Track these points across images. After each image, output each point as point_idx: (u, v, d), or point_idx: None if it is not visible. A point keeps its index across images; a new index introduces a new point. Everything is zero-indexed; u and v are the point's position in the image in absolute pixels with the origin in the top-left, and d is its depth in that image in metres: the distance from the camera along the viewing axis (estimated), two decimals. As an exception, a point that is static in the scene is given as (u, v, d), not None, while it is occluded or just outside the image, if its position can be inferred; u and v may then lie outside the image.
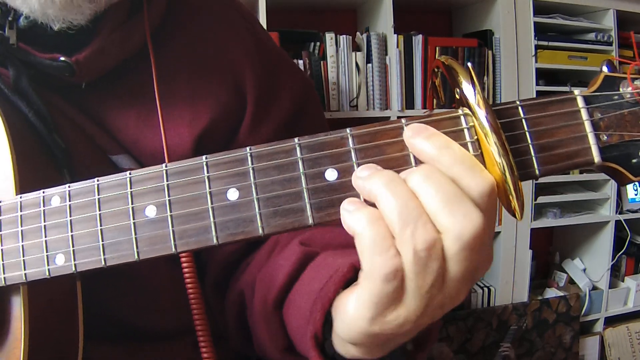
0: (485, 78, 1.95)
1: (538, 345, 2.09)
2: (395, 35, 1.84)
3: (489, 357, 2.00)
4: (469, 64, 0.36)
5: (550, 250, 2.42)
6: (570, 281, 2.25)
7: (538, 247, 2.28)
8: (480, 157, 0.36)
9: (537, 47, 1.97)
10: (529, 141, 0.36)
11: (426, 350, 0.49)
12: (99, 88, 0.58)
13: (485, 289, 2.06)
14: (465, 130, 0.36)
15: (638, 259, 2.26)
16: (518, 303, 2.05)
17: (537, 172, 0.36)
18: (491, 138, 0.34)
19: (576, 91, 0.36)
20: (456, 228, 0.33)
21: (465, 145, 0.36)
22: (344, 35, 1.82)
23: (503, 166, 0.34)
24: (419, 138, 0.35)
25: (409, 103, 1.90)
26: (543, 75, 2.04)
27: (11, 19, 0.52)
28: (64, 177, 0.52)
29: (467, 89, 0.35)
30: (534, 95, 1.93)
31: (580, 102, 0.36)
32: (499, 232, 2.01)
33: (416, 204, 0.33)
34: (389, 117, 1.87)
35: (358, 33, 1.91)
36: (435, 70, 0.38)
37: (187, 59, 0.62)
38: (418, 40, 1.89)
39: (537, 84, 1.98)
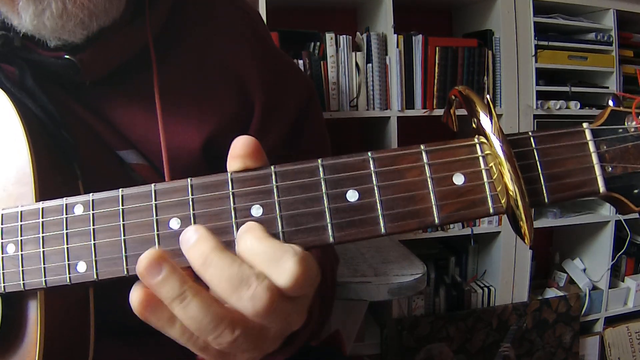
0: (485, 78, 1.96)
1: (538, 345, 2.10)
2: (395, 35, 1.84)
3: (489, 357, 2.01)
4: (488, 96, 0.37)
5: (550, 250, 2.43)
6: (570, 281, 2.25)
7: (538, 247, 2.30)
8: (494, 183, 0.37)
9: (537, 47, 1.97)
10: (540, 170, 0.37)
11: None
12: (105, 86, 0.60)
13: (485, 289, 2.07)
14: (481, 158, 0.38)
15: (638, 259, 2.27)
16: (518, 303, 2.06)
17: (546, 199, 0.37)
18: (505, 166, 0.35)
19: (584, 124, 0.38)
20: (248, 311, 0.35)
21: (480, 172, 0.37)
22: (344, 35, 1.82)
23: (515, 193, 0.35)
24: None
25: (409, 103, 1.90)
26: (543, 75, 2.04)
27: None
28: (75, 171, 0.53)
29: (484, 119, 0.37)
30: (534, 95, 1.96)
31: (588, 134, 0.38)
32: (499, 232, 2.03)
33: (210, 319, 0.35)
34: (389, 117, 1.88)
35: (358, 33, 1.91)
36: (452, 98, 0.39)
37: (194, 62, 0.63)
38: (418, 40, 1.89)
39: (537, 84, 1.98)
